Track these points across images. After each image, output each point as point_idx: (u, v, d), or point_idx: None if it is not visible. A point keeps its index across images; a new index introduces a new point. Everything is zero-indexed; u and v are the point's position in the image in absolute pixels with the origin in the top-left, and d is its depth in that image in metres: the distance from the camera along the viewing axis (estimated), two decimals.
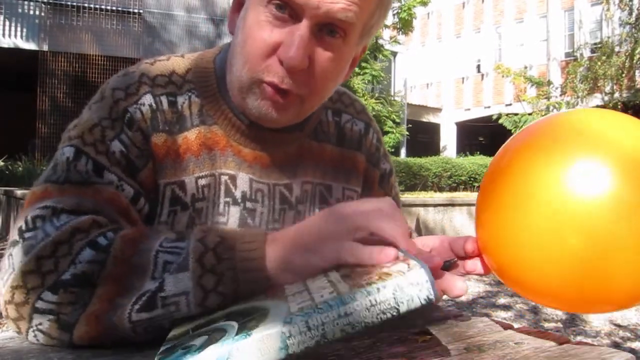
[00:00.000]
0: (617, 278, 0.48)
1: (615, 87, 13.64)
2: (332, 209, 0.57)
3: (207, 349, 0.41)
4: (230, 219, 0.75)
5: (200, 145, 0.74)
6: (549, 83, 13.86)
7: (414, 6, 11.62)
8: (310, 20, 0.65)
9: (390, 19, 11.80)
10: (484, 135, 19.28)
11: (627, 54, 13.31)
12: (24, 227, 0.59)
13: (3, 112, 12.68)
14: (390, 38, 13.41)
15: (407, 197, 7.17)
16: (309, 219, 0.58)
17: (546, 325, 3.47)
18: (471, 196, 8.13)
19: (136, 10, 10.86)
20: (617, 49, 13.66)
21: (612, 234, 0.47)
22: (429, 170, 11.30)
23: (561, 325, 3.46)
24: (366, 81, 12.13)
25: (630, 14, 13.22)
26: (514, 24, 19.57)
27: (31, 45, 10.40)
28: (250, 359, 0.40)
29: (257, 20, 0.67)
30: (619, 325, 3.47)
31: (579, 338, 3.16)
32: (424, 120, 20.73)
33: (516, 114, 13.29)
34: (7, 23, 10.27)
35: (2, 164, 8.45)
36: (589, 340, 3.10)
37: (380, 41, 12.15)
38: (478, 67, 20.83)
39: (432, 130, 21.42)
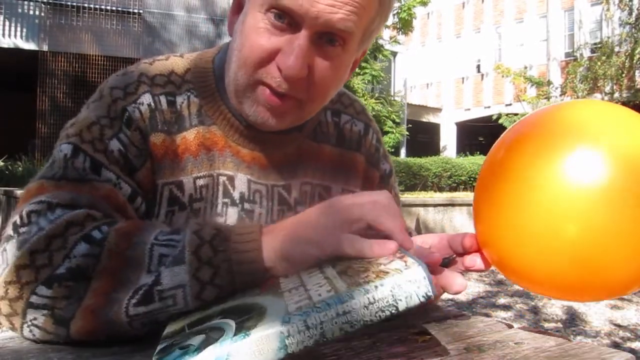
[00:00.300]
0: (614, 265, 0.49)
1: (615, 87, 13.62)
2: (330, 201, 0.57)
3: (205, 349, 0.41)
4: (228, 220, 0.75)
5: (199, 146, 0.73)
6: (549, 83, 13.84)
7: (414, 6, 11.62)
8: (309, 30, 0.64)
9: (390, 19, 11.80)
10: (484, 135, 19.27)
11: (627, 54, 13.29)
12: (18, 222, 0.59)
13: (3, 112, 12.66)
14: (390, 38, 13.41)
15: (407, 197, 7.17)
16: (306, 211, 0.58)
17: (546, 325, 3.47)
18: (471, 196, 8.11)
19: (136, 10, 10.84)
20: (617, 49, 13.63)
21: (608, 222, 0.48)
22: (429, 170, 11.31)
23: (561, 325, 3.46)
24: (366, 81, 12.14)
25: (630, 14, 13.20)
26: (514, 24, 19.57)
27: (31, 45, 10.39)
28: None
29: (256, 26, 0.66)
30: (619, 325, 3.47)
31: (579, 338, 3.16)
32: (424, 120, 20.72)
33: (516, 114, 13.28)
34: (7, 23, 10.25)
35: (2, 164, 8.44)
36: (589, 340, 3.11)
37: (380, 41, 12.14)
38: (478, 67, 20.83)
39: (432, 130, 21.42)
